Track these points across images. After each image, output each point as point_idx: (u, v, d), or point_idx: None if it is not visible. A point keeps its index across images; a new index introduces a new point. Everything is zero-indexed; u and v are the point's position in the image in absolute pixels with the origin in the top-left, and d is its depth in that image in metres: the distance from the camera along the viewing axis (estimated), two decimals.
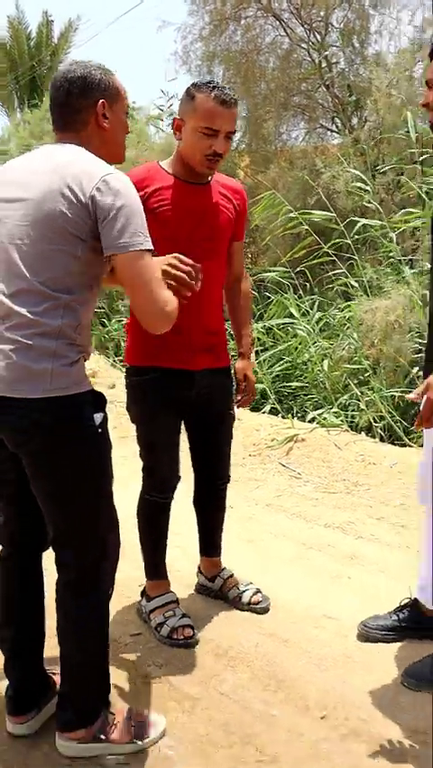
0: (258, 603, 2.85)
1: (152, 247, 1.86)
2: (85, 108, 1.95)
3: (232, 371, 2.80)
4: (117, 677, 2.38)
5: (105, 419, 1.96)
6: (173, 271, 1.98)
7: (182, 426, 2.72)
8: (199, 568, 3.01)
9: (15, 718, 2.12)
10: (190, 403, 2.62)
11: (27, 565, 2.12)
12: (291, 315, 6.27)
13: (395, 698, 2.31)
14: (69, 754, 2.02)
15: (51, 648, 2.14)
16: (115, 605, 2.79)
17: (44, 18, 20.50)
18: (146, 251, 1.84)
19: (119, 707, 2.14)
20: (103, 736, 2.02)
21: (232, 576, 2.94)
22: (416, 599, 2.66)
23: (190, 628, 2.64)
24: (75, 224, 1.81)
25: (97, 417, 1.93)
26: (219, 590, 2.93)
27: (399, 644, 2.61)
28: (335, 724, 2.19)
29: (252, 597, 2.86)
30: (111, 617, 2.66)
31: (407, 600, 2.71)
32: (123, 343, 7.59)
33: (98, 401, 1.97)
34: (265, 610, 2.83)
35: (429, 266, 2.37)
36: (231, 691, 2.34)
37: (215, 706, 2.27)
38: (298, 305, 6.29)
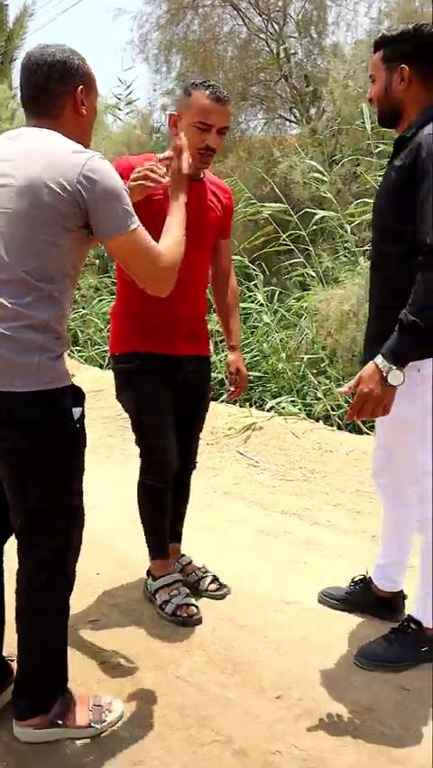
0: (216, 590, 2.89)
1: (137, 221, 1.89)
2: (63, 94, 1.92)
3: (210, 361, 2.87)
4: (75, 663, 2.38)
5: (82, 414, 1.96)
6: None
7: None
8: None
9: None
10: (176, 388, 2.68)
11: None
12: (249, 305, 6.30)
13: (348, 677, 2.36)
14: (26, 740, 2.02)
15: (7, 636, 2.15)
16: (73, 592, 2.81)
17: None
18: (138, 227, 1.88)
19: (77, 692, 2.14)
20: (60, 722, 2.03)
21: (190, 563, 2.97)
22: (370, 578, 2.74)
23: (195, 607, 2.71)
24: (60, 212, 1.80)
25: (76, 412, 1.93)
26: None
27: (354, 626, 2.67)
28: (289, 704, 2.23)
29: (209, 584, 2.90)
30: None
31: (361, 577, 2.80)
32: (80, 334, 7.56)
33: (77, 395, 1.97)
34: (222, 597, 2.87)
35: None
36: (187, 675, 2.37)
37: (171, 690, 2.29)
38: (255, 295, 6.33)
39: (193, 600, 2.73)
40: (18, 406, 1.81)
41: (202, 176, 2.67)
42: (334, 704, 2.23)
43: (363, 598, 2.75)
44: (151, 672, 2.38)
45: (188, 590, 2.77)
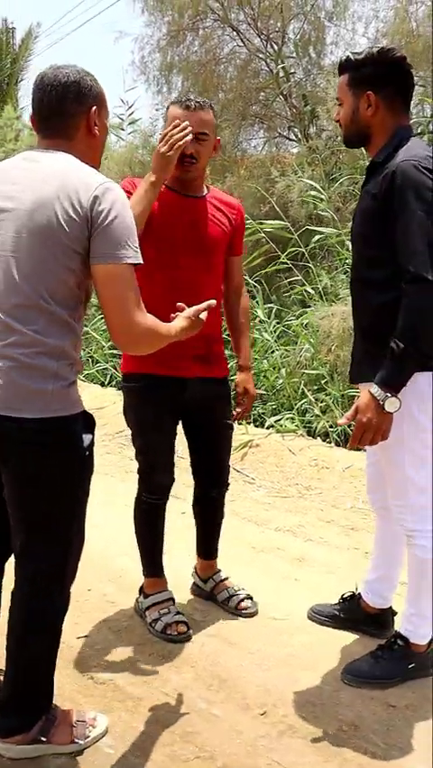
0: (246, 609, 2.89)
1: (139, 261, 1.85)
2: (78, 114, 1.93)
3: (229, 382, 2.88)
4: (63, 678, 2.40)
5: (92, 441, 1.98)
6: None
7: (179, 432, 2.79)
8: (195, 568, 3.07)
9: None
10: (183, 410, 2.71)
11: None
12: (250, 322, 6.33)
13: (335, 694, 2.37)
14: (9, 755, 2.03)
15: None
16: None
17: (4, 26, 20.42)
18: (130, 266, 1.83)
19: (61, 708, 2.16)
20: (44, 738, 2.03)
21: (225, 580, 3.00)
22: (359, 594, 2.74)
23: (184, 624, 2.72)
24: (72, 237, 1.80)
25: (86, 439, 1.94)
26: (210, 592, 2.98)
27: (342, 643, 2.67)
28: (273, 721, 2.23)
29: (240, 602, 2.91)
30: None
31: (350, 593, 2.81)
32: (81, 353, 7.58)
33: (88, 422, 1.98)
34: (252, 615, 2.88)
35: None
36: (174, 691, 2.38)
37: (157, 705, 2.30)
38: (255, 311, 6.36)
39: (183, 618, 2.74)
40: (28, 432, 1.82)
41: (204, 193, 2.68)
42: (318, 720, 2.24)
43: (352, 614, 2.75)
44: (138, 688, 2.39)
45: (177, 609, 2.78)
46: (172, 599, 2.81)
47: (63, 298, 1.83)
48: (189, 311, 2.11)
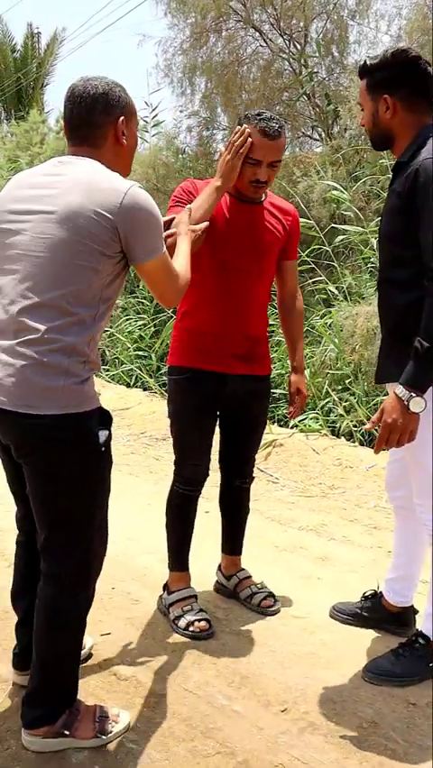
0: (269, 607, 2.92)
1: (165, 248, 2.04)
2: (105, 124, 2.03)
3: (270, 380, 2.95)
4: (86, 674, 2.45)
5: (109, 437, 2.03)
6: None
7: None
8: (220, 566, 3.10)
9: (19, 672, 2.32)
10: (223, 405, 2.78)
11: (37, 552, 2.18)
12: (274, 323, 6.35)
13: (355, 692, 2.38)
14: (33, 749, 2.07)
15: None
16: None
17: (29, 30, 20.65)
18: (164, 253, 2.02)
19: (85, 703, 2.19)
20: (67, 732, 2.08)
21: (248, 578, 3.03)
22: (381, 593, 2.75)
23: (207, 622, 2.75)
24: (100, 240, 1.88)
25: (102, 435, 1.99)
26: (233, 590, 3.02)
27: (363, 641, 2.69)
28: (294, 717, 2.25)
29: (262, 600, 2.93)
30: None
31: (372, 592, 2.82)
32: (107, 353, 7.66)
33: (104, 419, 2.03)
34: (274, 614, 2.90)
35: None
36: (196, 688, 2.40)
37: (179, 701, 2.33)
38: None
39: (206, 616, 2.77)
40: (44, 428, 1.87)
41: (263, 198, 2.72)
42: (339, 718, 2.25)
43: (374, 612, 2.76)
44: (160, 685, 2.42)
45: (200, 606, 2.81)
46: (195, 596, 2.85)
47: (85, 299, 1.90)
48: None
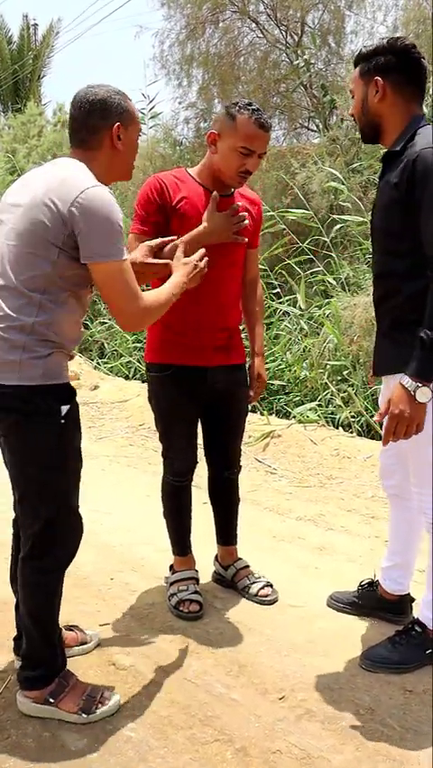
0: (266, 596, 2.94)
1: (126, 257, 2.05)
2: (102, 129, 2.12)
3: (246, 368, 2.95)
4: (86, 664, 2.47)
5: (71, 410, 2.12)
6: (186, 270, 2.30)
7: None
8: (216, 557, 3.12)
9: (20, 658, 2.33)
10: (205, 397, 2.80)
11: None
12: (272, 315, 6.37)
13: (352, 679, 2.40)
14: (23, 710, 2.21)
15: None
16: (84, 596, 2.90)
17: (25, 22, 20.56)
18: (119, 261, 2.02)
19: (78, 679, 2.27)
20: (52, 700, 2.18)
21: (246, 567, 3.05)
22: (377, 581, 2.77)
23: (197, 604, 2.81)
24: (52, 233, 1.99)
25: (64, 408, 2.10)
26: (231, 580, 3.03)
27: (361, 629, 2.70)
28: (292, 705, 2.27)
29: (260, 589, 2.95)
30: (80, 608, 2.77)
31: (368, 580, 2.84)
32: (106, 346, 7.67)
33: (65, 393, 2.13)
34: (272, 603, 2.92)
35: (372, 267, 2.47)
36: (194, 677, 2.42)
37: (178, 690, 2.35)
38: (278, 303, 6.38)
39: (198, 598, 2.83)
40: (5, 397, 2.03)
41: (232, 191, 2.72)
42: (336, 705, 2.27)
43: (371, 601, 2.78)
44: (159, 674, 2.44)
45: (196, 588, 2.86)
46: (195, 579, 2.91)
47: (41, 285, 2.02)
48: (187, 259, 2.32)
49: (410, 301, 2.19)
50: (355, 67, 2.36)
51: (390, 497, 2.71)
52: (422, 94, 2.33)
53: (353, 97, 2.37)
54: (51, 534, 2.15)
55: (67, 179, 2.01)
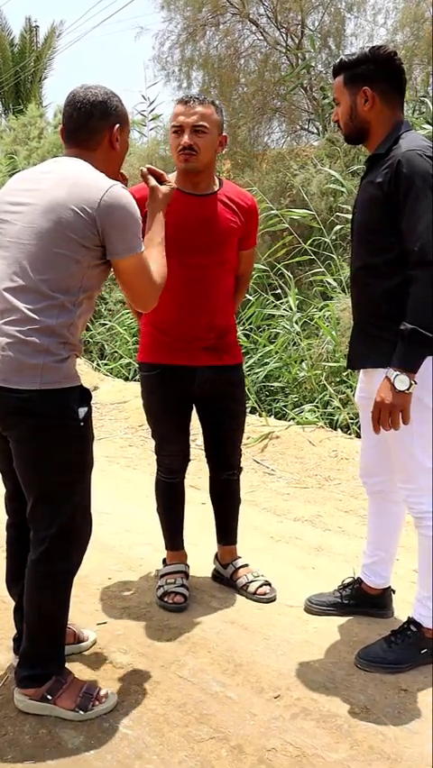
0: (264, 594, 2.95)
1: (144, 248, 2.13)
2: (102, 130, 2.18)
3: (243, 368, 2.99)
4: (83, 662, 2.49)
5: (88, 413, 2.15)
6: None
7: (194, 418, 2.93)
8: (216, 555, 3.14)
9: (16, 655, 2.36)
10: (195, 397, 2.84)
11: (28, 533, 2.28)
12: (272, 316, 6.38)
13: (348, 678, 2.41)
14: (20, 707, 2.22)
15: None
16: (82, 595, 2.91)
17: (27, 24, 20.59)
18: (143, 251, 2.12)
19: (75, 676, 2.28)
20: (50, 697, 2.19)
21: (245, 566, 3.07)
22: (359, 579, 2.81)
23: (182, 596, 2.87)
24: (80, 233, 2.02)
25: (81, 411, 2.12)
26: (230, 578, 3.05)
27: (356, 629, 2.72)
28: (287, 703, 2.29)
29: (258, 587, 2.97)
30: (78, 607, 2.78)
31: (350, 579, 2.87)
32: (106, 347, 7.69)
33: (84, 396, 2.15)
34: (270, 601, 2.94)
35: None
36: (190, 675, 2.44)
37: (174, 688, 2.37)
38: (279, 304, 6.39)
39: (184, 591, 2.88)
40: (25, 402, 2.02)
41: (215, 189, 2.75)
42: (331, 703, 2.28)
43: (353, 598, 2.81)
44: (155, 672, 2.46)
45: (183, 582, 2.91)
46: (185, 573, 2.96)
47: (64, 286, 2.04)
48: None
49: (387, 296, 2.29)
50: (336, 75, 2.42)
51: (370, 494, 2.74)
52: (403, 99, 2.43)
53: (337, 104, 2.44)
54: (68, 537, 2.17)
55: (84, 180, 2.05)
